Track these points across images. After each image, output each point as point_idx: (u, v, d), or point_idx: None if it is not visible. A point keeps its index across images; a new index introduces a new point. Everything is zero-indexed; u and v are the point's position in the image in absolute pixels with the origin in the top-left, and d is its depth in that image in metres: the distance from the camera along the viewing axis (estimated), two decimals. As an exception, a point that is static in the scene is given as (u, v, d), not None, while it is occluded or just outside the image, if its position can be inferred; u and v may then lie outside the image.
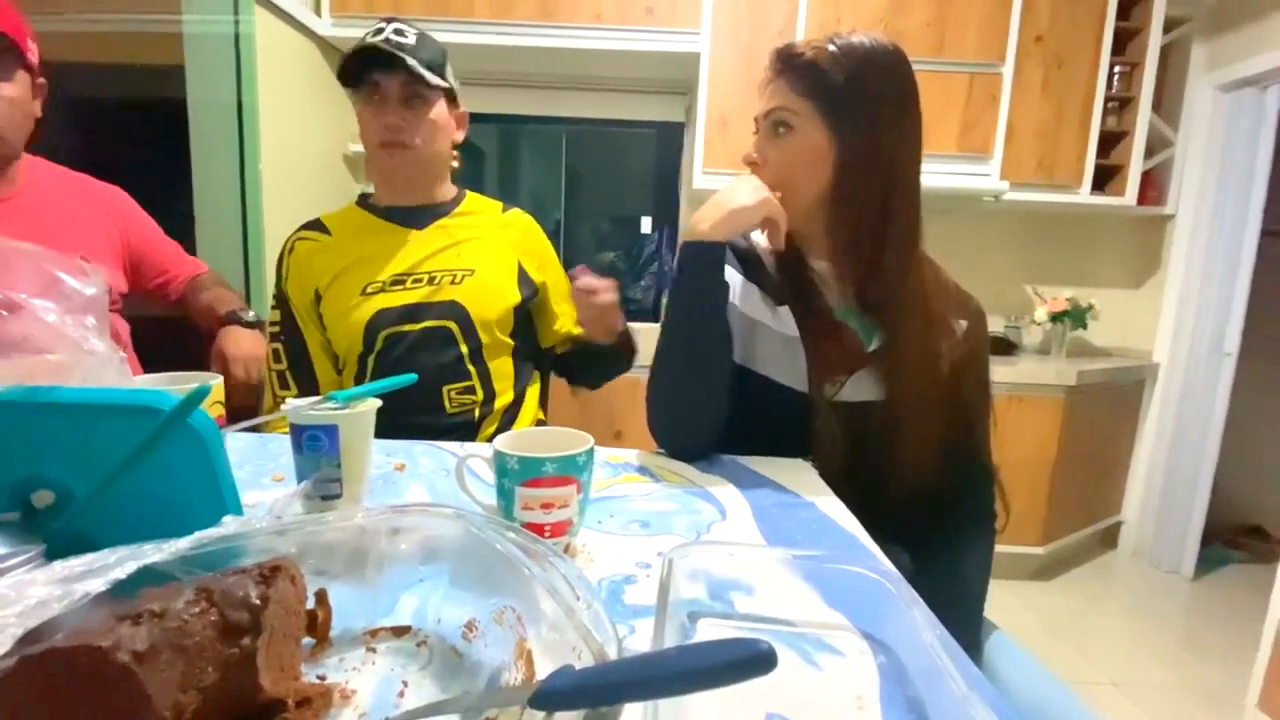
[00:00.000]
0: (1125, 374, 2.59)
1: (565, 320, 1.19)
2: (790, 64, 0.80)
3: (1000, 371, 2.27)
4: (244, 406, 1.08)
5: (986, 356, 0.91)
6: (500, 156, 2.85)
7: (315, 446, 0.57)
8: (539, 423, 1.19)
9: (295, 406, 0.59)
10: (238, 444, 0.81)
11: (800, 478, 0.79)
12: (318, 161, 2.23)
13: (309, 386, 1.07)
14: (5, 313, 0.47)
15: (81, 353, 0.49)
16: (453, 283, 1.06)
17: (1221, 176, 2.48)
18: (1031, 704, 0.69)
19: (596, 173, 2.82)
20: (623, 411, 2.21)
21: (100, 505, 0.41)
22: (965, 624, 0.80)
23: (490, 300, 1.07)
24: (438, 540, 0.42)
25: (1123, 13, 2.36)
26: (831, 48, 0.78)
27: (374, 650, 0.40)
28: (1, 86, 0.97)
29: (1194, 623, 2.25)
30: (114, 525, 0.38)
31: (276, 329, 1.09)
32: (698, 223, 0.81)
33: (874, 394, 0.85)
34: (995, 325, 2.72)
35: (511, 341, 1.12)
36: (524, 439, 0.56)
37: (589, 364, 1.22)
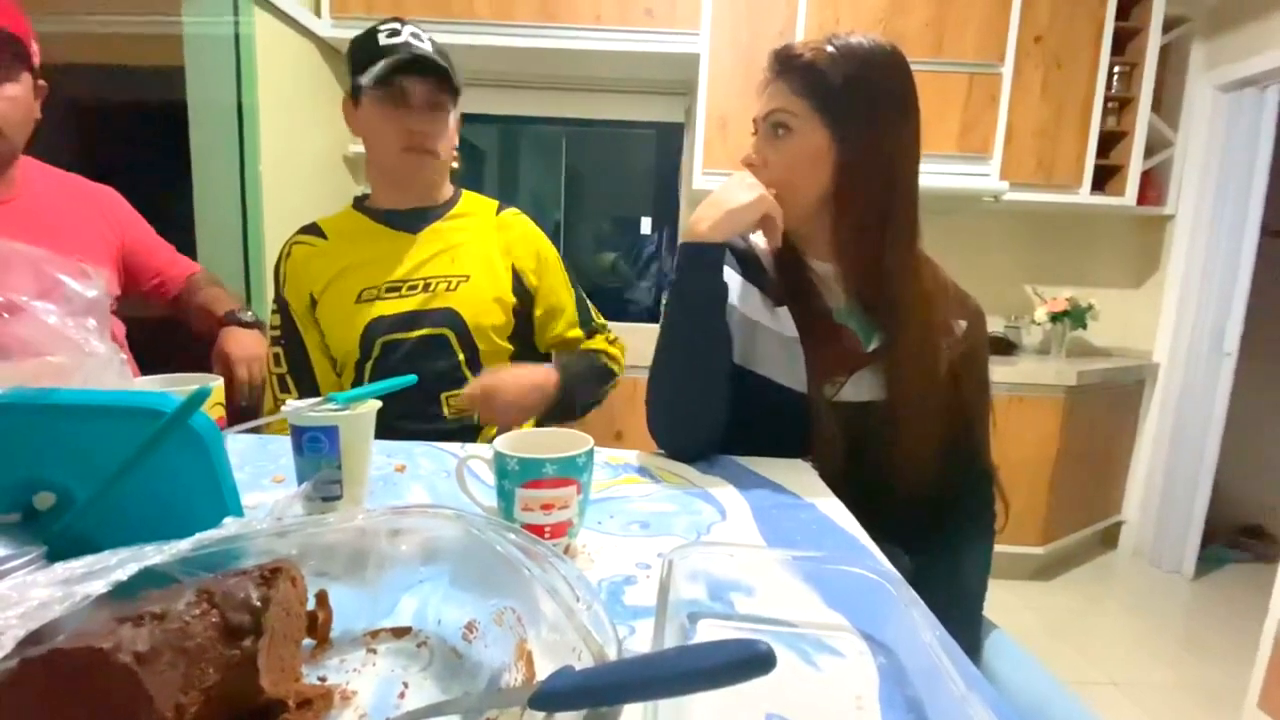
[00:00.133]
0: (1125, 374, 2.59)
1: (561, 324, 1.18)
2: (789, 65, 0.80)
3: (1000, 371, 2.27)
4: (247, 407, 1.08)
5: (986, 356, 0.91)
6: (500, 157, 2.85)
7: (316, 448, 0.57)
8: (539, 424, 1.19)
9: (295, 408, 0.59)
10: (238, 445, 0.81)
11: (800, 478, 0.79)
12: (318, 162, 2.23)
13: (309, 390, 1.08)
14: (7, 315, 0.47)
15: (82, 355, 0.49)
16: (448, 289, 1.06)
17: (1221, 176, 2.48)
18: (1031, 704, 0.69)
19: (596, 173, 2.82)
20: (622, 412, 2.21)
21: (101, 507, 0.41)
22: (965, 624, 0.80)
23: (486, 307, 1.07)
24: (438, 541, 0.42)
25: (1122, 13, 2.36)
26: (830, 49, 0.78)
27: (374, 651, 0.41)
28: (6, 86, 0.97)
29: (1194, 623, 2.25)
30: (115, 527, 0.38)
31: (277, 333, 1.10)
32: (696, 223, 0.81)
33: (873, 394, 0.85)
34: (995, 325, 2.72)
35: (510, 346, 1.11)
36: (524, 440, 0.56)
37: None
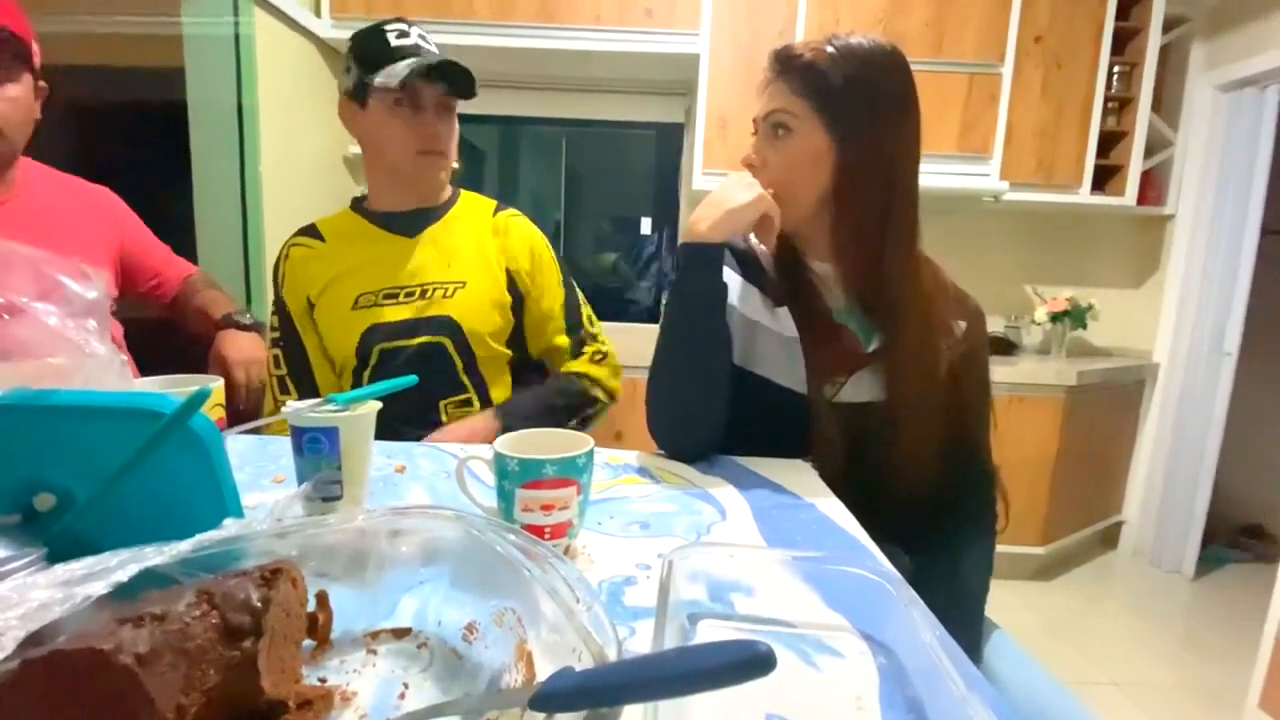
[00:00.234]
0: (1125, 374, 2.59)
1: (549, 331, 1.14)
2: (789, 65, 0.80)
3: (1000, 371, 2.27)
4: (245, 409, 1.08)
5: (986, 357, 0.91)
6: (500, 158, 2.85)
7: (316, 449, 0.57)
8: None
9: (296, 409, 0.59)
10: (238, 446, 0.81)
11: (800, 479, 0.79)
12: (318, 163, 2.23)
13: (309, 392, 1.07)
14: (7, 316, 0.47)
15: (83, 356, 0.49)
16: (445, 296, 1.05)
17: (1221, 176, 2.48)
18: (1031, 704, 0.69)
19: (596, 174, 2.83)
20: (623, 413, 2.20)
21: (102, 508, 0.41)
22: (965, 625, 0.80)
23: (482, 313, 1.06)
24: (438, 542, 0.42)
25: (1122, 13, 2.36)
26: (830, 49, 0.78)
27: (375, 652, 0.41)
28: (7, 87, 0.97)
29: (1194, 622, 2.25)
30: (115, 528, 0.38)
31: (276, 334, 1.10)
32: (695, 224, 0.81)
33: (873, 395, 0.85)
34: (995, 325, 2.72)
35: (508, 351, 1.11)
36: (524, 441, 0.56)
37: None
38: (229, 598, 0.32)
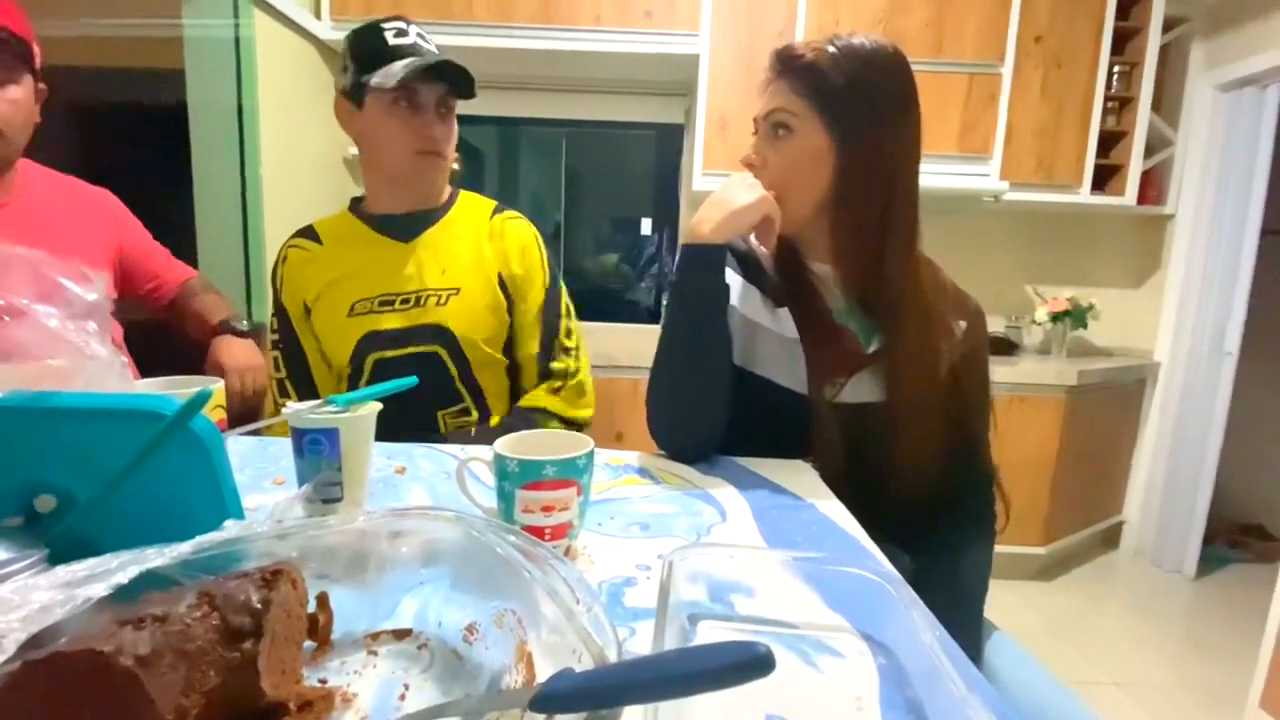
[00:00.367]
0: (1126, 374, 2.59)
1: (527, 339, 1.10)
2: (790, 65, 0.80)
3: (1001, 372, 2.27)
4: (241, 416, 1.08)
5: (986, 357, 0.91)
6: (500, 159, 2.85)
7: (316, 450, 0.57)
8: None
9: (296, 410, 0.59)
10: (238, 448, 0.81)
11: (800, 479, 0.79)
12: (318, 164, 2.23)
13: (309, 395, 1.07)
14: (8, 318, 0.47)
15: (83, 358, 0.49)
16: (438, 304, 1.03)
17: (1221, 176, 2.48)
18: (1032, 704, 0.69)
19: (596, 175, 2.83)
20: (623, 413, 2.21)
21: (102, 510, 0.41)
22: (965, 625, 0.80)
23: (475, 319, 1.04)
24: (438, 543, 0.42)
25: (1122, 12, 2.36)
26: (832, 49, 0.78)
27: (375, 653, 0.41)
28: (9, 89, 0.97)
29: (1196, 622, 2.25)
30: (116, 530, 0.38)
31: (276, 337, 1.09)
32: (698, 225, 0.81)
33: (874, 395, 0.85)
34: (995, 325, 2.72)
35: (504, 359, 1.10)
36: (524, 442, 0.57)
37: None
38: (230, 599, 0.32)
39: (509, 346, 1.11)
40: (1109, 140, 2.47)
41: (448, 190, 1.13)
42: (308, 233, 1.10)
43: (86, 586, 0.30)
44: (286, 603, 0.35)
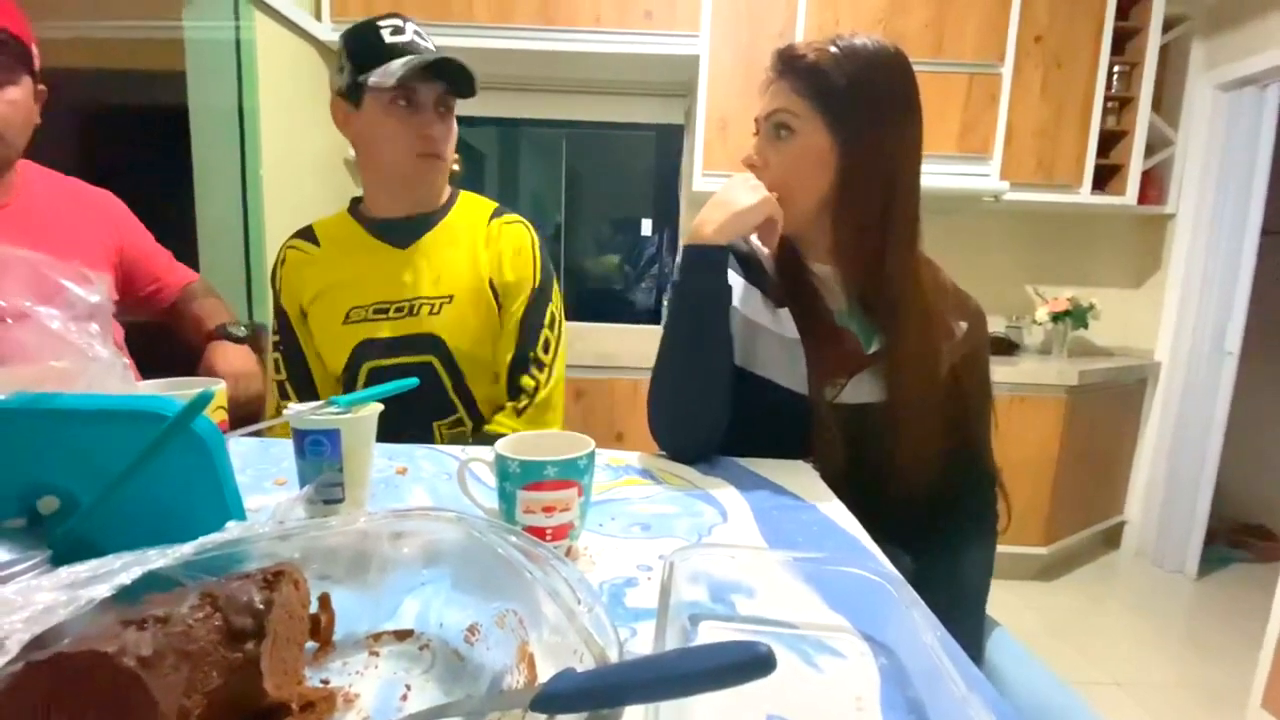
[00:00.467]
0: (1127, 373, 2.59)
1: (505, 347, 1.08)
2: (792, 66, 0.80)
3: (1001, 372, 2.27)
4: (236, 422, 1.08)
5: (987, 357, 0.91)
6: (500, 160, 2.86)
7: (317, 451, 0.57)
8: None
9: (297, 411, 0.59)
10: (240, 449, 0.81)
11: (801, 480, 0.79)
12: (318, 166, 2.24)
13: (309, 396, 1.07)
14: (10, 320, 0.47)
15: (86, 359, 0.49)
16: (431, 313, 1.02)
17: (1222, 175, 2.48)
18: (1033, 703, 0.69)
19: (597, 175, 2.83)
20: (624, 414, 2.21)
21: (105, 511, 0.41)
22: (966, 626, 0.80)
23: (469, 329, 1.04)
24: (440, 544, 0.42)
25: (1122, 12, 2.36)
26: (834, 50, 0.78)
27: (377, 654, 0.41)
28: (8, 90, 0.97)
29: (1197, 622, 2.25)
30: (119, 531, 0.38)
31: (276, 339, 1.09)
32: (700, 226, 0.81)
33: (874, 396, 0.85)
34: (996, 325, 2.72)
35: (497, 365, 1.09)
36: (525, 442, 0.57)
37: None
38: (232, 600, 0.32)
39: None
40: (1109, 140, 2.47)
41: (447, 191, 1.11)
42: (306, 234, 1.09)
43: (89, 588, 0.30)
44: (288, 604, 0.35)
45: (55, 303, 0.50)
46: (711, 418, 0.84)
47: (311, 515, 0.57)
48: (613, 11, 2.22)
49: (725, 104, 2.29)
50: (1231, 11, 2.45)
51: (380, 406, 0.63)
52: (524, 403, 1.06)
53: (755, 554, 0.56)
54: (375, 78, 0.94)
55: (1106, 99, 2.40)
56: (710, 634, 0.47)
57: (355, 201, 1.12)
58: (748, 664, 0.26)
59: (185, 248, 1.38)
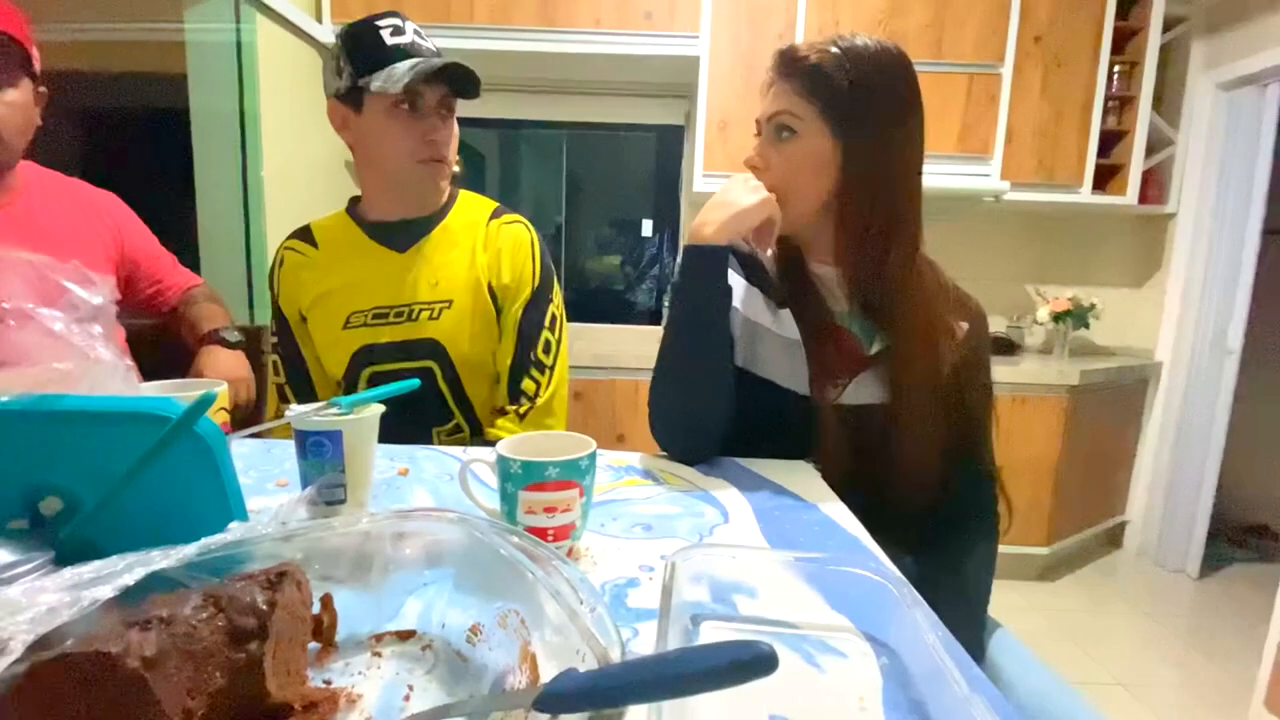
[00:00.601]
0: (1128, 373, 2.59)
1: (503, 351, 1.07)
2: (794, 67, 0.80)
3: (1003, 372, 2.27)
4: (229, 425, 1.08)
5: (988, 358, 0.91)
6: (501, 161, 2.86)
7: (319, 452, 0.57)
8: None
9: (299, 412, 0.59)
10: (242, 450, 0.81)
11: (802, 480, 0.79)
12: (319, 168, 2.24)
13: (309, 399, 1.06)
14: (12, 322, 0.47)
15: (88, 361, 0.49)
16: (430, 318, 1.01)
17: (1222, 174, 2.48)
18: (1035, 702, 0.69)
19: (597, 177, 2.83)
20: (625, 414, 2.21)
21: (108, 512, 0.41)
22: (968, 625, 0.80)
23: (468, 334, 1.03)
24: (442, 545, 0.42)
25: (1121, 12, 2.36)
26: (835, 51, 0.78)
27: (379, 654, 0.41)
28: (7, 92, 0.97)
29: (1200, 622, 2.24)
30: (122, 532, 0.38)
31: (276, 341, 1.08)
32: (701, 227, 0.81)
33: (876, 397, 0.85)
34: (997, 325, 2.72)
35: (495, 370, 1.08)
36: (526, 443, 0.57)
37: None
38: (235, 601, 0.33)
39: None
40: (1109, 140, 2.47)
41: (447, 192, 1.10)
42: (304, 234, 1.07)
43: (93, 589, 0.30)
44: (291, 604, 0.35)
45: (58, 304, 0.50)
46: (712, 418, 0.84)
47: (314, 516, 0.57)
48: (613, 13, 2.22)
49: (725, 105, 2.29)
50: (1231, 11, 2.45)
51: (382, 408, 0.63)
52: (525, 406, 1.05)
53: (757, 554, 0.56)
54: (380, 82, 0.92)
55: (1107, 99, 2.40)
56: (712, 634, 0.47)
57: (354, 201, 1.10)
58: (750, 664, 0.26)
59: (186, 250, 1.38)
